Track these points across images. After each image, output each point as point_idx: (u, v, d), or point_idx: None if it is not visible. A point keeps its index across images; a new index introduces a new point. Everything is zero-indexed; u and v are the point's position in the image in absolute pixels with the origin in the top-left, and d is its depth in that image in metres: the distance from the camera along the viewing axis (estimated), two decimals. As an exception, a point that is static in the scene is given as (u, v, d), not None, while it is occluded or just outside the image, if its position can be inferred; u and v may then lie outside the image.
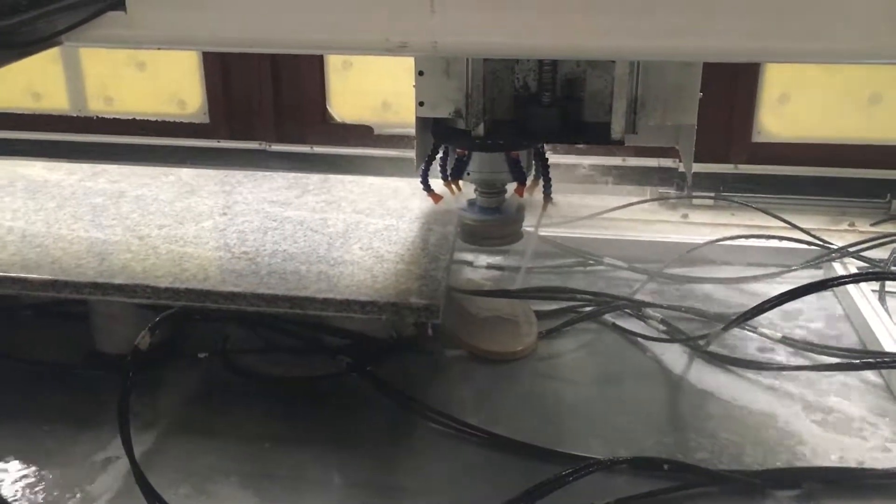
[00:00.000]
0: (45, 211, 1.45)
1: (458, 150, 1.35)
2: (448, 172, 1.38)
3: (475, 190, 1.41)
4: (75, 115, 2.17)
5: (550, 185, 1.39)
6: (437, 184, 1.42)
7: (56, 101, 2.17)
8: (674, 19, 0.87)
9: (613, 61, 1.18)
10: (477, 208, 1.42)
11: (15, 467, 1.13)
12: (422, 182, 1.42)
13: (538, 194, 1.40)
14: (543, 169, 1.39)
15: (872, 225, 1.84)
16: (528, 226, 1.47)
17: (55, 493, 1.08)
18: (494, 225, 1.41)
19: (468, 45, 0.98)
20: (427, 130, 1.33)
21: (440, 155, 1.39)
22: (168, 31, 0.97)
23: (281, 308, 1.17)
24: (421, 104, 1.26)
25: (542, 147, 1.38)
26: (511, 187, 1.39)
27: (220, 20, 0.95)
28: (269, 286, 1.18)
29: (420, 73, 1.24)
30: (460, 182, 1.39)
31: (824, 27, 0.85)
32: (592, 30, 0.89)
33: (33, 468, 1.13)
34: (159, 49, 1.07)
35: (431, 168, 1.41)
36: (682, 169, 1.90)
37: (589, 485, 1.05)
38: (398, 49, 0.92)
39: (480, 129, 1.24)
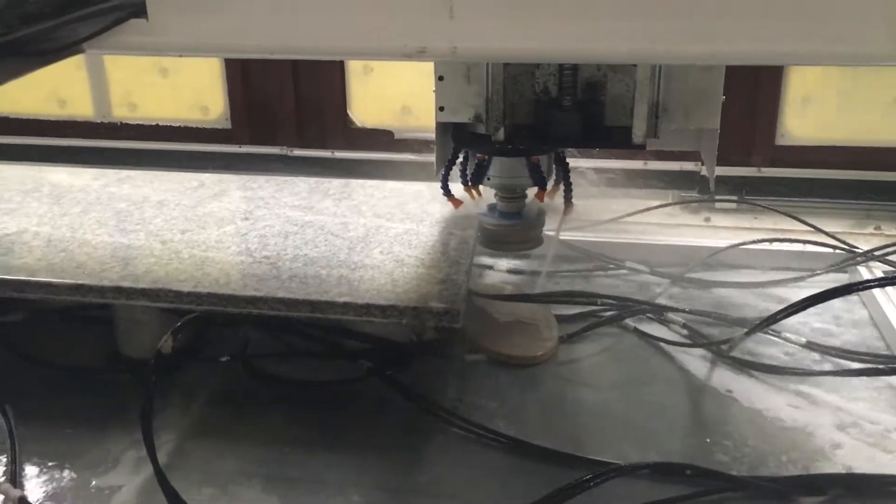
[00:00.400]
0: (69, 216, 1.46)
1: (478, 155, 1.35)
2: (468, 177, 1.38)
3: (495, 195, 1.41)
4: (100, 121, 2.20)
5: (571, 190, 1.39)
6: (457, 189, 1.42)
7: (81, 107, 2.20)
8: (696, 23, 0.86)
9: (635, 65, 1.18)
10: (497, 213, 1.42)
11: (37, 469, 1.14)
12: (442, 187, 1.42)
13: (559, 199, 1.40)
14: (564, 174, 1.39)
15: (899, 228, 1.82)
16: (549, 229, 1.47)
17: (76, 496, 1.09)
18: (515, 230, 1.41)
19: (488, 50, 0.98)
20: (447, 135, 1.34)
21: (460, 160, 1.39)
22: (190, 38, 0.97)
23: (302, 312, 1.17)
24: (441, 109, 1.26)
25: (563, 152, 1.38)
26: (532, 192, 1.39)
27: (241, 27, 0.96)
28: (289, 290, 1.19)
29: (440, 78, 1.24)
30: (480, 187, 1.39)
31: (849, 30, 0.84)
32: (613, 34, 0.88)
33: (55, 470, 1.14)
34: (181, 56, 1.08)
35: (451, 173, 1.41)
36: (703, 172, 1.89)
37: (610, 490, 1.05)
38: (417, 54, 0.92)
39: (501, 134, 1.24)
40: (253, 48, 1.01)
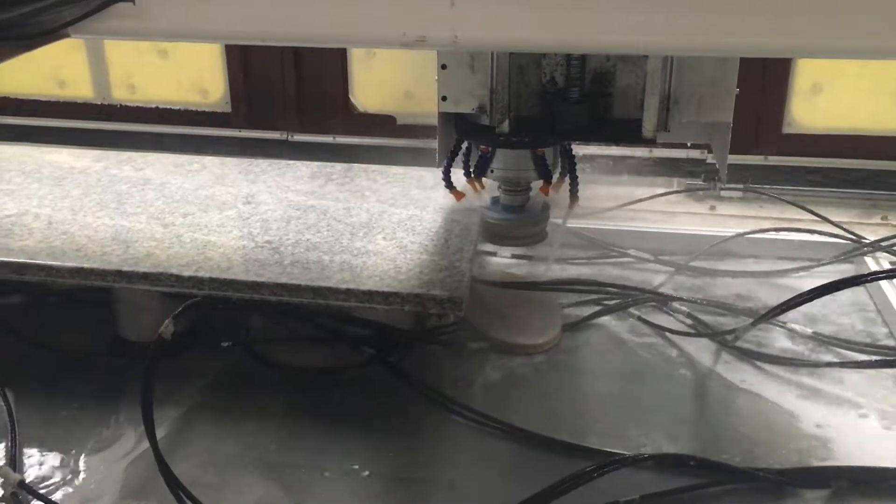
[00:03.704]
0: (70, 198, 1.45)
1: (481, 147, 1.32)
2: (471, 169, 1.35)
3: (499, 187, 1.38)
4: (99, 102, 2.18)
5: (577, 184, 1.36)
6: (459, 179, 1.39)
7: (81, 88, 2.18)
8: (710, 13, 0.84)
9: (645, 56, 1.15)
10: (500, 207, 1.38)
11: (37, 453, 1.14)
12: (444, 179, 1.39)
13: (564, 192, 1.37)
14: (570, 166, 1.36)
15: (905, 218, 1.81)
16: (555, 218, 1.45)
17: (76, 479, 1.09)
18: (518, 224, 1.38)
19: (491, 40, 0.95)
20: (450, 125, 1.31)
21: (463, 151, 1.37)
22: (179, 23, 0.94)
23: (304, 298, 1.17)
24: (444, 99, 1.23)
25: (569, 144, 1.35)
26: (536, 185, 1.37)
27: (235, 13, 0.92)
28: (291, 276, 1.18)
29: (443, 67, 1.21)
30: (483, 179, 1.37)
31: (862, 23, 0.82)
32: (623, 23, 0.86)
33: (55, 454, 1.14)
34: (170, 41, 1.06)
35: (454, 164, 1.38)
36: (710, 160, 1.87)
37: (614, 481, 1.04)
38: (416, 43, 0.89)
39: (505, 126, 1.22)
40: (246, 35, 0.98)
